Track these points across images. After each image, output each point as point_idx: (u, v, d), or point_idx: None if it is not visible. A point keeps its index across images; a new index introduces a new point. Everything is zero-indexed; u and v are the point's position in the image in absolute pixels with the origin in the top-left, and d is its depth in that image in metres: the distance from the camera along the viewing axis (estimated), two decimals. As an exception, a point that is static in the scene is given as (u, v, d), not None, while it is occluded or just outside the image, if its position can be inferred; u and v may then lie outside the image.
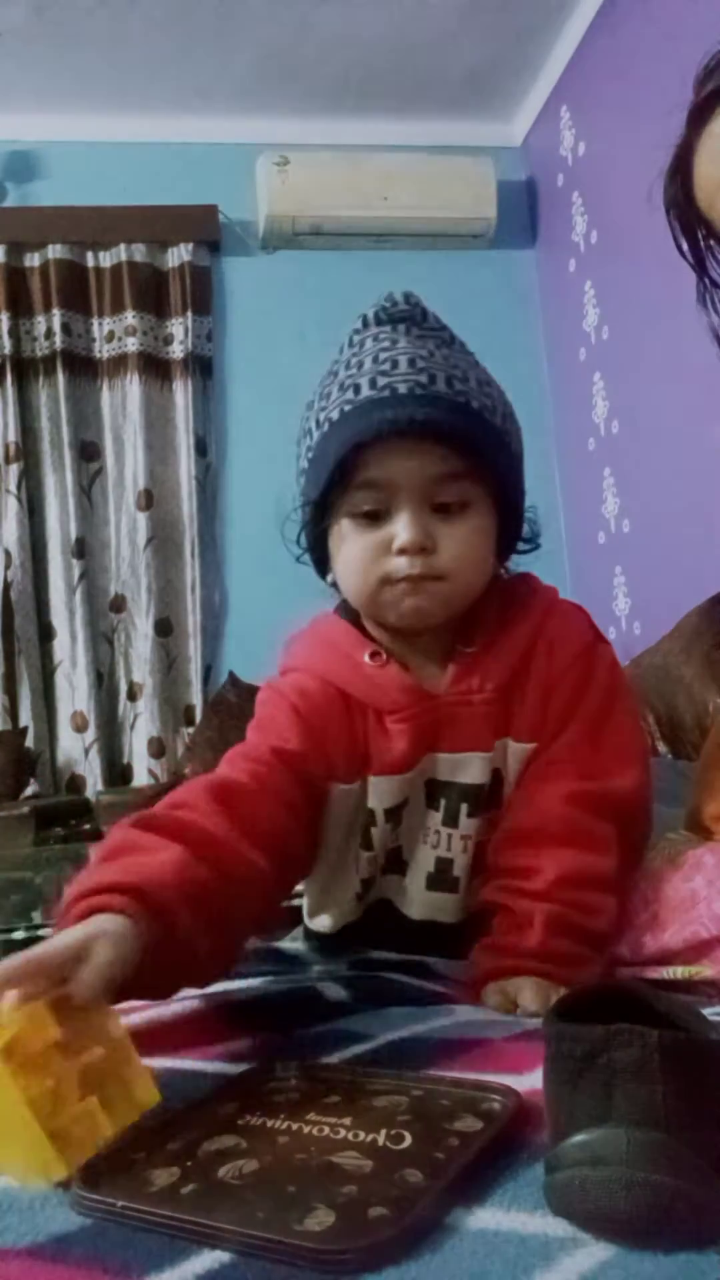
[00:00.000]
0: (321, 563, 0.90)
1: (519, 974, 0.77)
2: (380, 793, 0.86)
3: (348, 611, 0.92)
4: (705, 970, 0.77)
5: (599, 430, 3.43)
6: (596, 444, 3.45)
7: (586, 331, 3.47)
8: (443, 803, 0.86)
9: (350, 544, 0.83)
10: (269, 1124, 0.49)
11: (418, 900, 0.89)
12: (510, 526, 0.87)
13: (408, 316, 0.84)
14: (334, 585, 0.90)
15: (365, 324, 0.86)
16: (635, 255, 3.02)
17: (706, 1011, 0.66)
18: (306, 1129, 0.48)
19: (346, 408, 0.80)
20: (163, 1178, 0.45)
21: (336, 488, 0.81)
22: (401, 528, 0.79)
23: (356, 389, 0.80)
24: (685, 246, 0.95)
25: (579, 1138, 0.39)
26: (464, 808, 0.86)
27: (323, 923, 0.93)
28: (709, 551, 2.62)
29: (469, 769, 0.86)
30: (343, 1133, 0.48)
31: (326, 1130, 0.48)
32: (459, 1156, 0.45)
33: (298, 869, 0.86)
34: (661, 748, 2.38)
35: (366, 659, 0.87)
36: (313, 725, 0.85)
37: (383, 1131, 0.47)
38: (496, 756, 0.86)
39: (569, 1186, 0.39)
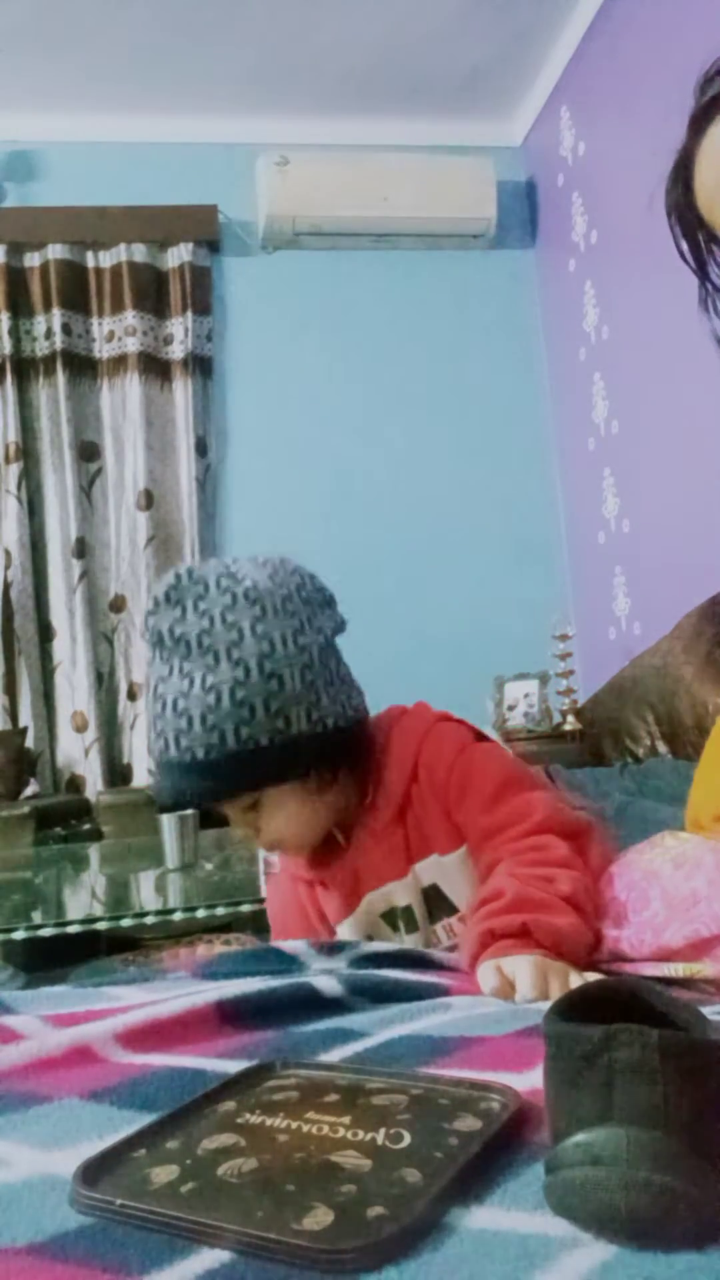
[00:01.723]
0: None
1: (503, 935, 0.80)
2: (346, 935, 1.04)
3: None
4: (706, 969, 0.77)
5: (599, 430, 3.43)
6: (596, 444, 3.45)
7: (586, 331, 3.47)
8: (396, 922, 1.03)
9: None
10: (268, 1123, 0.49)
11: None
12: (331, 749, 0.96)
13: (156, 644, 0.93)
14: None
15: (152, 627, 0.95)
16: (635, 255, 3.02)
17: (707, 1010, 0.66)
18: (305, 1128, 0.48)
19: (153, 763, 0.98)
20: (162, 1176, 0.45)
21: None
22: (235, 828, 1.02)
23: (160, 732, 0.93)
24: (686, 251, 0.95)
25: (579, 1138, 0.39)
26: (403, 926, 1.02)
27: None
28: (709, 551, 2.62)
29: (394, 896, 1.02)
30: (342, 1131, 0.47)
31: (325, 1129, 0.48)
32: (458, 1156, 0.44)
33: None
34: (661, 748, 2.38)
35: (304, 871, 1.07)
36: (283, 926, 1.12)
37: (382, 1130, 0.47)
38: (425, 875, 1.01)
39: (569, 1186, 0.39)
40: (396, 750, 1.03)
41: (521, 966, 0.75)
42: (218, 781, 0.94)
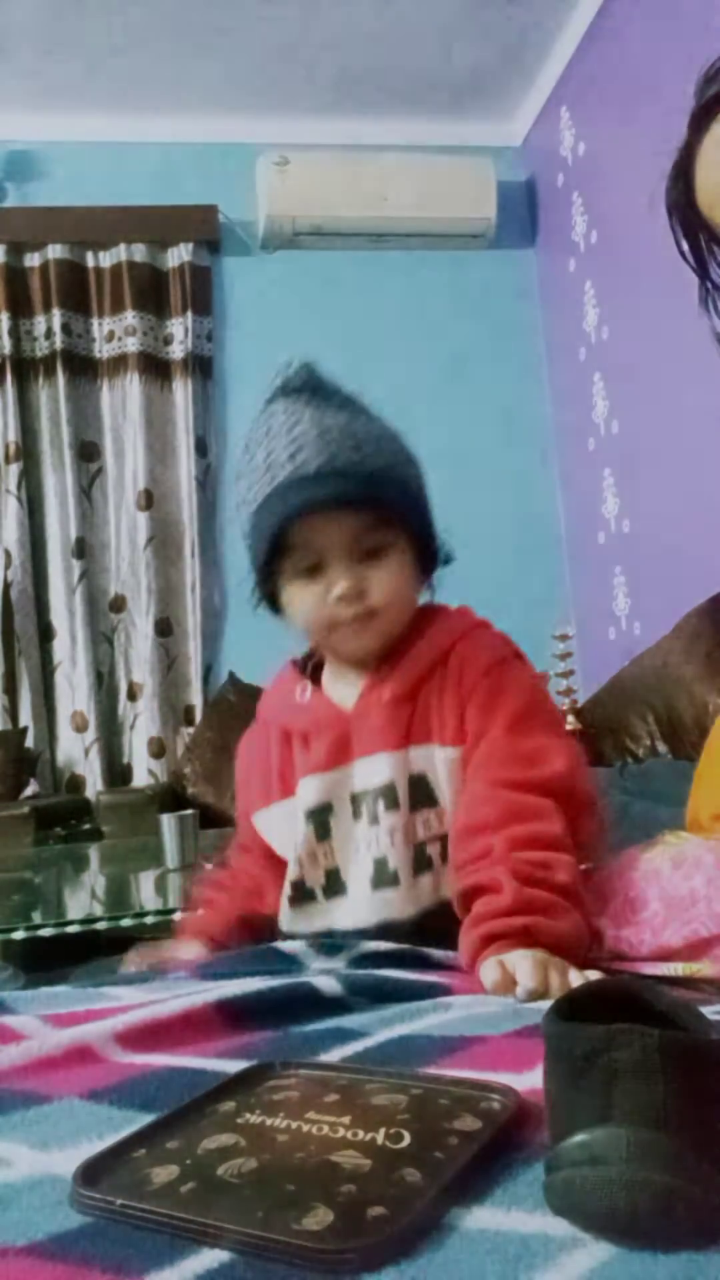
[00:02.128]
0: (276, 609, 1.04)
1: (506, 938, 0.79)
2: (305, 793, 1.01)
3: (308, 652, 1.09)
4: (705, 968, 0.77)
5: (599, 430, 3.43)
6: (596, 444, 3.45)
7: (586, 331, 3.47)
8: (364, 808, 0.99)
9: (297, 597, 0.98)
10: (268, 1122, 0.49)
11: (366, 905, 0.97)
12: (426, 552, 1.02)
13: (304, 387, 0.97)
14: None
15: (270, 398, 0.98)
16: (635, 255, 3.02)
17: (706, 1010, 0.66)
18: (305, 1128, 0.48)
19: (268, 489, 0.94)
20: (161, 1176, 0.45)
21: (277, 553, 0.96)
22: (336, 579, 0.95)
23: (277, 468, 0.93)
24: (687, 250, 0.96)
25: (579, 1138, 0.39)
26: (380, 804, 0.98)
27: (281, 919, 1.06)
28: (709, 551, 2.62)
29: (378, 770, 0.98)
30: (341, 1131, 0.47)
31: (325, 1129, 0.48)
32: (458, 1156, 0.44)
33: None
34: (661, 748, 2.38)
35: (298, 694, 1.05)
36: (247, 770, 1.10)
37: (382, 1130, 0.47)
38: (418, 762, 0.98)
39: (569, 1186, 0.39)
40: (433, 633, 1.01)
41: (522, 961, 0.75)
42: (385, 492, 0.94)
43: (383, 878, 0.97)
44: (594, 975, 0.76)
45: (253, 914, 1.06)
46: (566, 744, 0.97)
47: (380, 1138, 0.47)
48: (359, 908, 0.97)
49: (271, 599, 1.02)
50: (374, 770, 0.98)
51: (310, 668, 1.08)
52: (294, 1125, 0.49)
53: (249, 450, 0.98)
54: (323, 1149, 0.46)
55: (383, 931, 0.95)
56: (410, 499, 0.98)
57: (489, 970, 0.76)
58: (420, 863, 0.97)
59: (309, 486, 0.91)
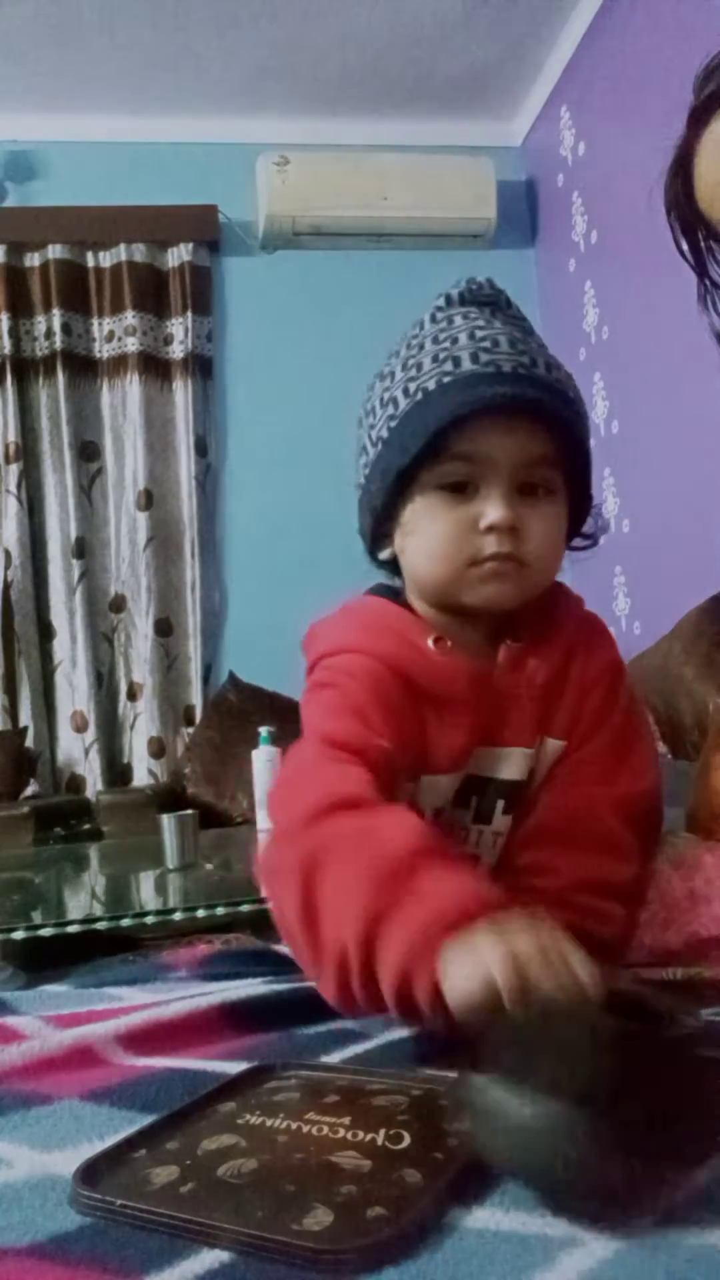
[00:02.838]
0: (379, 540, 0.85)
1: None
2: (431, 792, 0.82)
3: (389, 595, 0.88)
4: (705, 970, 0.77)
5: (599, 429, 3.43)
6: (596, 444, 3.44)
7: (586, 331, 3.47)
8: (474, 800, 0.83)
9: (434, 519, 0.79)
10: (268, 1123, 0.49)
11: None
12: (576, 515, 0.86)
13: (493, 301, 0.84)
14: (385, 565, 0.86)
15: (449, 303, 0.84)
16: (635, 255, 3.02)
17: (706, 1011, 0.66)
18: (306, 1128, 0.48)
19: (445, 379, 0.77)
20: (162, 1176, 0.45)
21: (426, 459, 0.77)
22: (492, 506, 0.76)
23: (456, 361, 0.77)
24: (686, 248, 0.95)
25: (510, 1086, 0.41)
26: (500, 804, 0.83)
27: None
28: (709, 551, 2.62)
29: (511, 764, 0.83)
30: (342, 1132, 0.48)
31: (325, 1130, 0.48)
32: (458, 1156, 0.45)
33: None
34: (661, 748, 2.38)
35: (430, 644, 0.81)
36: (392, 713, 0.78)
37: (381, 1131, 0.47)
38: (534, 753, 0.84)
39: (486, 1108, 0.41)
40: (560, 611, 0.87)
41: None
42: (572, 415, 0.79)
43: None
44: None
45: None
46: (655, 752, 0.90)
47: (380, 1138, 0.47)
48: None
49: (380, 525, 0.84)
50: (507, 764, 0.83)
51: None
52: (294, 1126, 0.49)
53: (401, 354, 0.84)
54: (323, 1150, 0.46)
55: None
56: (585, 448, 0.82)
57: None
58: (500, 864, 0.86)
59: (501, 382, 0.75)
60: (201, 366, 3.66)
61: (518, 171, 3.88)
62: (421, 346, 0.81)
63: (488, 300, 0.83)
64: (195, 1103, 0.53)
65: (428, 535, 0.79)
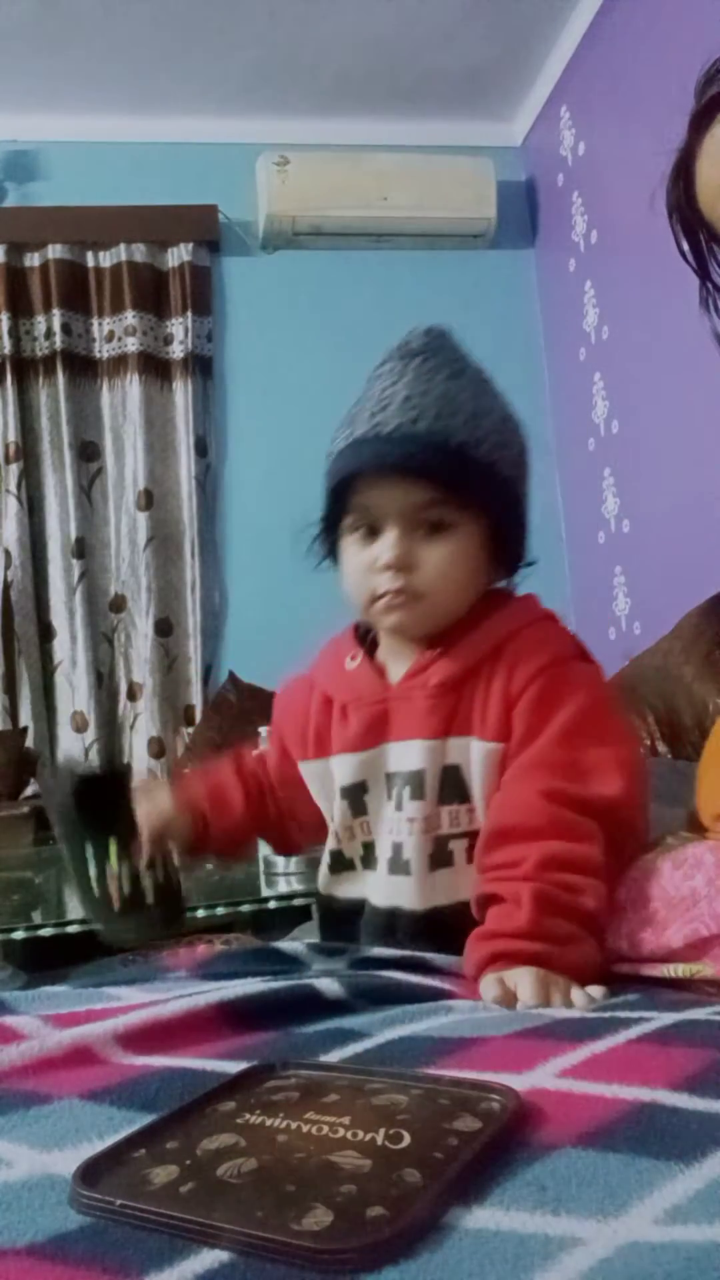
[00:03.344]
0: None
1: (513, 959, 0.77)
2: (339, 770, 0.98)
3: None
4: (705, 968, 0.77)
5: (599, 430, 3.43)
6: (596, 444, 3.45)
7: (586, 331, 3.47)
8: (393, 791, 0.95)
9: (348, 560, 0.95)
10: (268, 1123, 0.49)
11: (382, 887, 0.96)
12: (505, 544, 0.96)
13: (421, 350, 0.93)
14: None
15: (385, 359, 0.95)
16: (635, 255, 3.03)
17: (706, 1010, 0.66)
18: (305, 1128, 0.48)
19: (344, 443, 0.92)
20: (161, 1176, 0.45)
21: (340, 510, 0.93)
22: (385, 547, 0.90)
23: (354, 423, 0.91)
24: (687, 250, 0.96)
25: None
26: (406, 791, 0.94)
27: (320, 881, 1.05)
28: (709, 551, 2.62)
29: (410, 755, 0.94)
30: (341, 1132, 0.47)
31: (325, 1129, 0.48)
32: (458, 1156, 0.44)
33: (299, 831, 1.12)
34: (661, 748, 2.38)
35: (347, 662, 1.01)
36: (282, 714, 1.09)
37: (381, 1131, 0.47)
38: (453, 753, 0.93)
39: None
40: (492, 621, 0.94)
41: (524, 978, 0.75)
42: (456, 469, 0.88)
43: (397, 864, 0.93)
44: (597, 991, 0.76)
45: (205, 812, 1.08)
46: (626, 762, 0.88)
47: (380, 1138, 0.47)
48: (379, 887, 0.96)
49: (334, 554, 0.99)
50: (406, 755, 0.94)
51: (369, 636, 1.03)
52: (294, 1125, 0.49)
53: (348, 409, 0.96)
54: (322, 1149, 0.46)
55: (391, 917, 0.93)
56: (493, 483, 0.91)
57: (489, 986, 0.75)
58: (440, 857, 0.92)
59: (378, 445, 0.88)
60: (201, 366, 3.66)
61: (518, 171, 3.88)
62: (353, 406, 0.95)
63: (415, 352, 0.93)
64: (195, 1102, 0.53)
65: (345, 574, 0.96)
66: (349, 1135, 0.47)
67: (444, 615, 0.93)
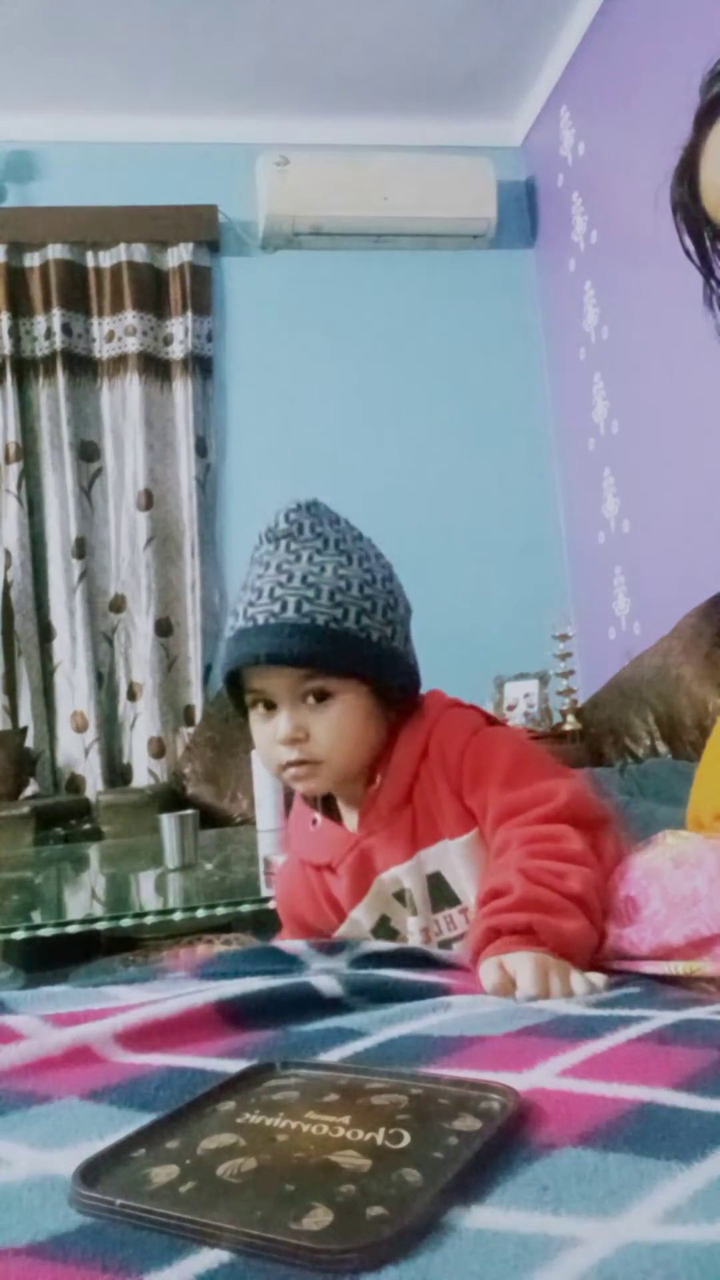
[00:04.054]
0: None
1: (509, 933, 0.79)
2: (362, 919, 1.06)
3: None
4: (705, 967, 0.77)
5: (599, 430, 3.43)
6: (596, 444, 3.45)
7: (586, 331, 3.47)
8: (396, 915, 1.04)
9: (256, 732, 1.03)
10: (268, 1122, 0.49)
11: None
12: (398, 691, 1.02)
13: (285, 534, 1.00)
14: None
15: (260, 541, 1.02)
16: (635, 255, 3.03)
17: (706, 1010, 0.66)
18: (305, 1127, 0.48)
19: (230, 632, 1.00)
20: (161, 1176, 0.45)
21: (239, 689, 1.02)
22: (279, 725, 0.98)
23: (235, 615, 1.00)
24: (691, 249, 0.95)
25: None
26: (406, 909, 1.03)
27: None
28: (709, 551, 2.62)
29: (396, 880, 1.03)
30: (341, 1131, 0.47)
31: (325, 1129, 0.48)
32: (458, 1156, 0.44)
33: None
34: (661, 748, 2.38)
35: (311, 826, 1.09)
36: (291, 906, 1.13)
37: (381, 1130, 0.47)
38: (430, 862, 1.01)
39: None
40: (406, 733, 1.03)
41: (523, 963, 0.75)
42: (324, 648, 0.95)
43: None
44: (597, 978, 0.76)
45: None
46: (566, 780, 0.97)
47: (380, 1138, 0.47)
48: None
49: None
50: (393, 881, 1.03)
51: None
52: (294, 1125, 0.49)
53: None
54: (322, 1149, 0.46)
55: None
56: (364, 652, 0.99)
57: (489, 971, 0.76)
58: None
59: (251, 638, 0.96)
60: (201, 366, 3.66)
61: (518, 171, 3.88)
62: (239, 589, 1.02)
63: (282, 535, 1.00)
64: (194, 1102, 0.53)
65: (256, 744, 1.04)
66: (349, 1135, 0.47)
67: (346, 771, 1.01)
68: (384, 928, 1.05)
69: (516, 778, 0.97)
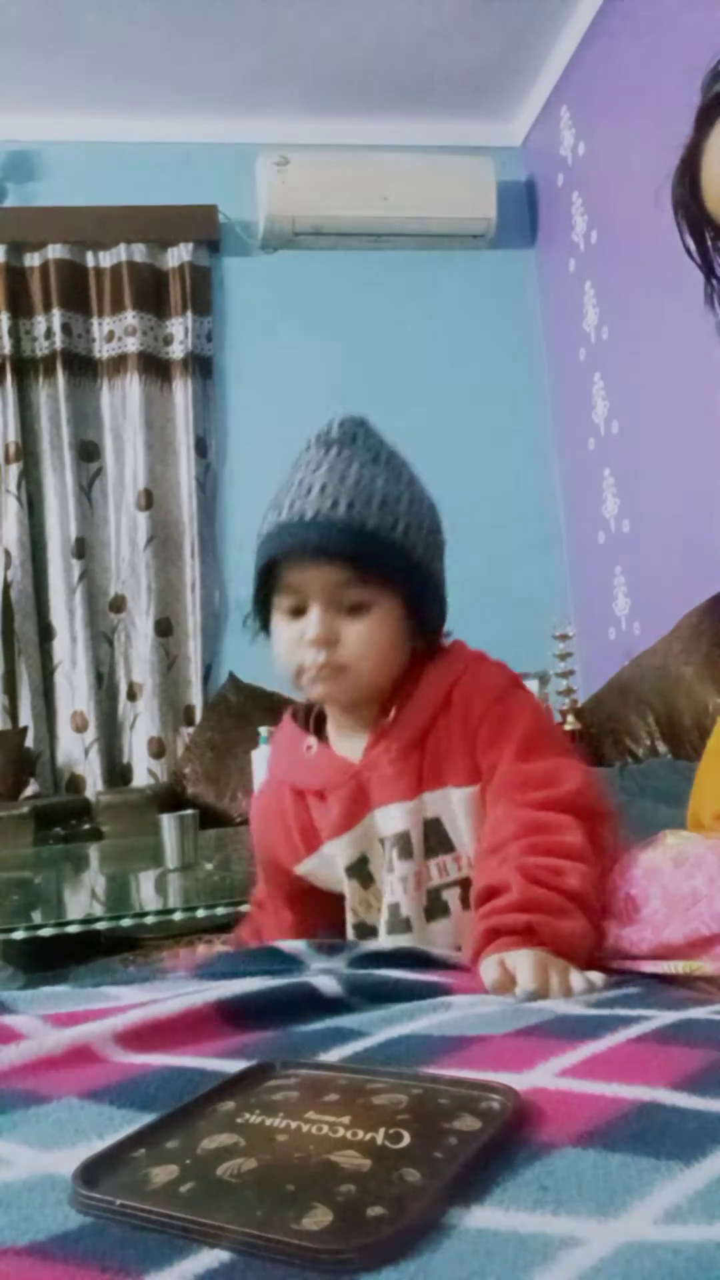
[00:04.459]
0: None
1: (509, 933, 0.79)
2: (338, 853, 1.04)
3: (309, 703, 1.09)
4: (705, 966, 0.77)
5: (599, 430, 3.43)
6: (596, 444, 3.45)
7: (586, 331, 3.47)
8: (385, 855, 1.01)
9: (278, 637, 1.00)
10: (268, 1122, 0.49)
11: (384, 945, 0.99)
12: (425, 613, 1.02)
13: (339, 440, 1.00)
14: None
15: (306, 447, 1.01)
16: (635, 255, 3.03)
17: (706, 1009, 0.66)
18: (305, 1127, 0.48)
19: (270, 527, 0.98)
20: (161, 1176, 0.45)
21: (269, 589, 0.99)
22: (310, 624, 0.96)
23: (279, 510, 0.97)
24: (692, 247, 0.95)
25: None
26: (395, 852, 1.00)
27: None
28: (709, 551, 2.62)
29: (393, 819, 1.00)
30: (341, 1131, 0.47)
31: (325, 1129, 0.48)
32: (458, 1156, 0.44)
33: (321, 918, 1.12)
34: (661, 748, 2.38)
35: (304, 750, 1.06)
36: (263, 833, 1.11)
37: (381, 1130, 0.47)
38: (432, 806, 1.00)
39: None
40: (431, 677, 1.02)
41: (523, 961, 0.75)
42: (372, 550, 0.95)
43: (395, 924, 0.99)
44: (596, 976, 0.76)
45: None
46: (577, 763, 0.97)
47: (380, 1138, 0.47)
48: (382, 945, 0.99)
49: (268, 628, 1.05)
50: (390, 819, 1.00)
51: (313, 720, 1.09)
52: (293, 1125, 0.49)
53: (273, 493, 1.02)
54: (322, 1149, 0.46)
55: None
56: (407, 564, 0.99)
57: (489, 969, 0.76)
58: (435, 909, 0.99)
59: (297, 531, 0.95)
60: (201, 366, 3.66)
61: (518, 171, 3.88)
62: (277, 490, 1.01)
63: (333, 441, 1.00)
64: (194, 1101, 0.53)
65: (276, 649, 1.01)
66: (348, 1135, 0.47)
67: (366, 685, 1.00)
68: (359, 869, 1.04)
69: (532, 749, 0.96)
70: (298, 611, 0.98)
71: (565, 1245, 0.38)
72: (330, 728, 1.07)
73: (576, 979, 0.75)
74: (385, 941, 0.99)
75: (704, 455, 2.73)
